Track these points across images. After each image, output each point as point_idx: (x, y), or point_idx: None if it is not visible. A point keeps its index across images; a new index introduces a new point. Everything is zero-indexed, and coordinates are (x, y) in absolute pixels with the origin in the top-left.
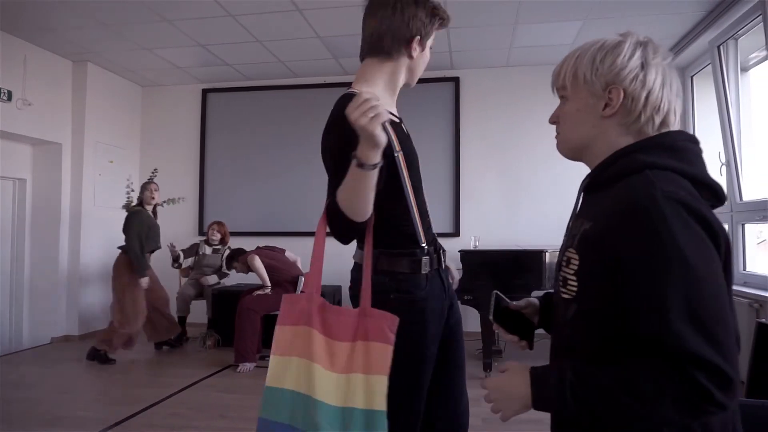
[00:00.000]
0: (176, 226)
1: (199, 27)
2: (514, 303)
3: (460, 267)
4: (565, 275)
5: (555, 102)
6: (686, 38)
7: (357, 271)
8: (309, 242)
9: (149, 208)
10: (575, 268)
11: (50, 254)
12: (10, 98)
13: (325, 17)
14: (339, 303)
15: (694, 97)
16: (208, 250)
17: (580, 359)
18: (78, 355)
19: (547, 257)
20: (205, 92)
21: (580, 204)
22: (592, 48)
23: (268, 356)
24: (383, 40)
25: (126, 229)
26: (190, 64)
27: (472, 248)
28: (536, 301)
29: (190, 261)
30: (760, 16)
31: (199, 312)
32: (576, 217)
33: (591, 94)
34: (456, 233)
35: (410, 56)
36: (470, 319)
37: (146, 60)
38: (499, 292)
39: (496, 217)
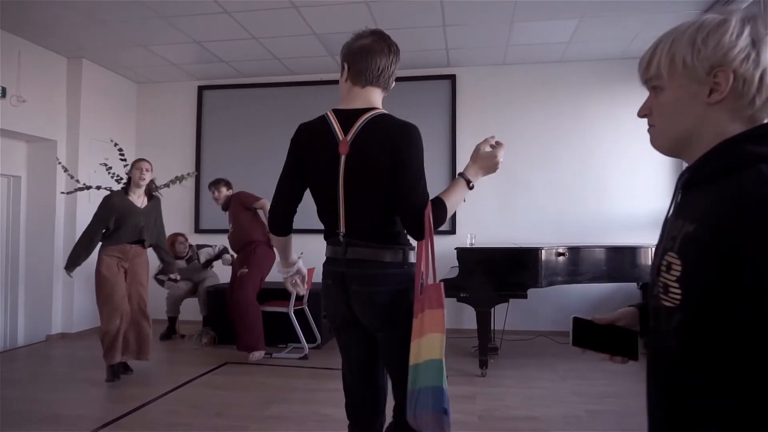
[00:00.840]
0: (172, 225)
1: (194, 24)
2: (605, 317)
3: (456, 265)
4: (666, 281)
5: (550, 101)
6: None
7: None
8: (306, 239)
9: (138, 191)
10: (677, 274)
11: (45, 252)
12: (4, 95)
13: (321, 14)
14: None
15: None
16: (182, 264)
17: (690, 374)
18: (73, 353)
19: (543, 255)
20: (200, 89)
21: (678, 202)
22: (689, 29)
23: (267, 354)
24: (386, 77)
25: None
26: (186, 61)
27: (468, 246)
28: (632, 309)
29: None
30: None
31: (193, 310)
32: (674, 217)
33: (692, 80)
34: (452, 231)
35: (387, 90)
36: (466, 317)
37: (141, 57)
38: (578, 316)
39: (493, 215)
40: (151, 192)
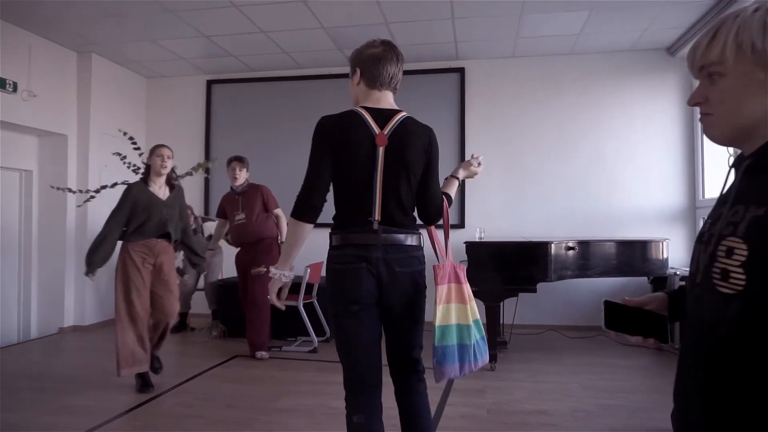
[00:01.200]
0: None
1: (203, 18)
2: (634, 299)
3: (465, 259)
4: (726, 267)
5: (560, 93)
6: (695, 27)
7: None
8: (314, 233)
9: (159, 181)
10: (742, 259)
11: (57, 245)
12: (15, 89)
13: (329, 8)
14: None
15: None
16: None
17: (748, 364)
18: (85, 345)
19: (553, 249)
20: (209, 83)
21: (739, 187)
22: (756, 14)
23: (276, 347)
24: (395, 82)
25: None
26: (195, 55)
27: (477, 240)
28: (662, 294)
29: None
30: None
31: (203, 304)
32: (734, 202)
33: (761, 66)
34: (461, 225)
35: (396, 94)
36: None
37: (150, 51)
38: (609, 299)
39: (502, 208)
40: (171, 181)
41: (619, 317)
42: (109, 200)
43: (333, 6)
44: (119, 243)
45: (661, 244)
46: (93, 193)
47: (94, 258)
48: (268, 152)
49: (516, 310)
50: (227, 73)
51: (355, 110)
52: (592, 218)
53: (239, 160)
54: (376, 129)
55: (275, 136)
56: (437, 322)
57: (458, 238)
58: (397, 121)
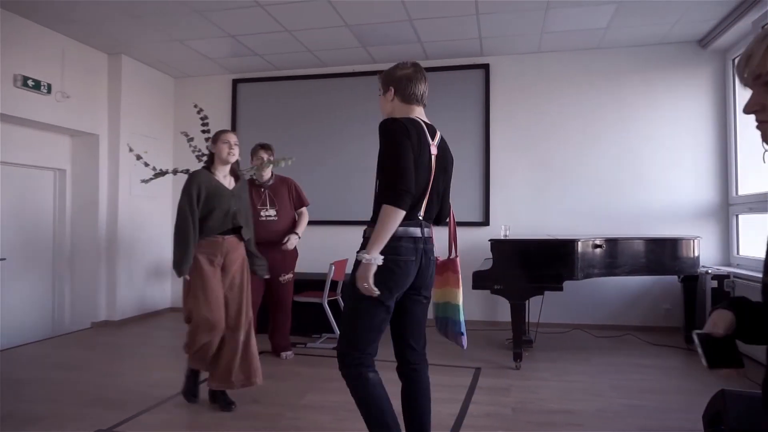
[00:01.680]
0: None
1: (229, 18)
2: (718, 326)
3: (490, 256)
4: None
5: (587, 89)
6: (727, 19)
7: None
8: (339, 231)
9: (224, 171)
10: None
11: (89, 242)
12: (50, 91)
13: (353, 6)
14: None
15: (735, 81)
16: None
17: None
18: (117, 340)
19: (580, 247)
20: (235, 82)
21: None
22: None
23: (301, 344)
24: (425, 98)
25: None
26: (221, 54)
27: (502, 237)
28: (728, 313)
29: None
30: None
31: None
32: None
33: None
34: (486, 222)
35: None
36: (500, 309)
37: (178, 52)
38: (697, 331)
39: (527, 205)
40: (236, 173)
41: (715, 350)
42: (137, 206)
43: (357, 4)
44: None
45: (692, 242)
46: (162, 172)
47: (182, 259)
48: (293, 150)
49: (542, 308)
50: (252, 72)
51: (417, 119)
52: (620, 215)
53: (267, 148)
54: (430, 139)
55: (300, 133)
56: (460, 301)
57: (483, 235)
58: (440, 135)
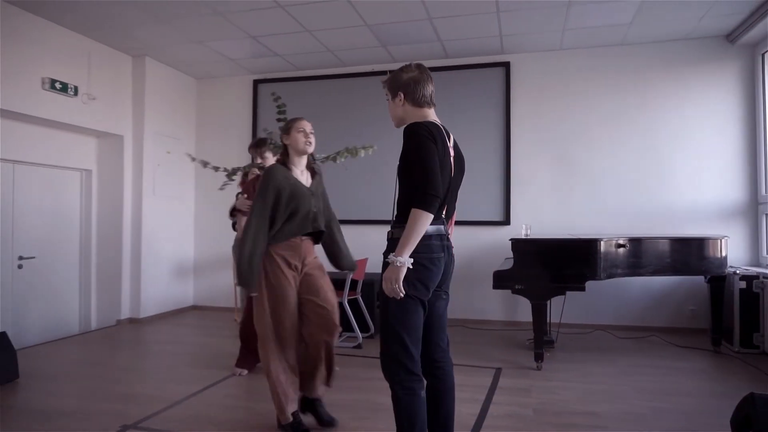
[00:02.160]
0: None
1: (250, 19)
2: None
3: (511, 256)
4: None
5: (611, 86)
6: (756, 13)
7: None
8: (358, 230)
9: (301, 164)
10: None
11: (114, 241)
12: (76, 93)
13: (373, 6)
14: None
15: (765, 77)
16: None
17: None
18: (142, 337)
19: (603, 246)
20: (256, 83)
21: None
22: None
23: None
24: (433, 99)
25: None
26: (242, 55)
27: (523, 237)
28: None
29: None
30: None
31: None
32: None
33: None
34: (506, 221)
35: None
36: (521, 309)
37: (200, 53)
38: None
39: (548, 205)
40: (312, 167)
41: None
42: (160, 206)
43: (377, 3)
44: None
45: (719, 241)
46: (228, 176)
47: (252, 274)
48: (315, 149)
49: (563, 308)
50: (273, 72)
51: (436, 122)
52: (645, 215)
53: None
54: (449, 141)
55: (320, 133)
56: None
57: (503, 234)
58: (453, 138)
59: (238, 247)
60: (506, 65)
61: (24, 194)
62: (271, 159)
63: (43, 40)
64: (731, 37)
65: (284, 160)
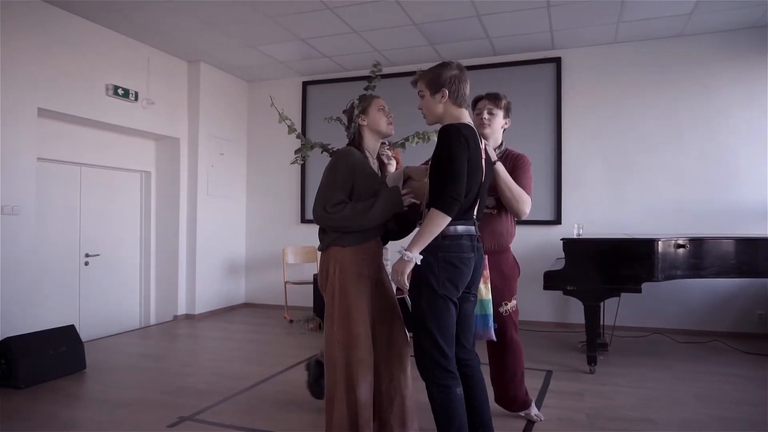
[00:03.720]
0: (276, 217)
1: (299, 21)
2: None
3: (562, 256)
4: None
5: (668, 80)
6: None
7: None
8: None
9: (375, 148)
10: None
11: (172, 239)
12: (136, 99)
13: (420, 5)
14: None
15: None
16: None
17: None
18: (197, 332)
19: (660, 247)
20: (305, 84)
21: None
22: None
23: None
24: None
25: (323, 177)
26: (291, 58)
27: (575, 236)
28: None
29: None
30: None
31: (301, 297)
32: None
33: None
34: (557, 221)
35: None
36: (573, 311)
37: (251, 57)
38: None
39: (601, 204)
40: (380, 157)
41: None
42: (214, 206)
43: (424, 3)
44: (325, 253)
45: None
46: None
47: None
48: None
49: (618, 310)
50: (321, 73)
51: (470, 124)
52: (704, 213)
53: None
54: (481, 143)
55: None
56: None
57: (555, 234)
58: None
59: (320, 207)
60: (557, 61)
61: (89, 195)
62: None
63: (105, 47)
64: None
65: (358, 144)
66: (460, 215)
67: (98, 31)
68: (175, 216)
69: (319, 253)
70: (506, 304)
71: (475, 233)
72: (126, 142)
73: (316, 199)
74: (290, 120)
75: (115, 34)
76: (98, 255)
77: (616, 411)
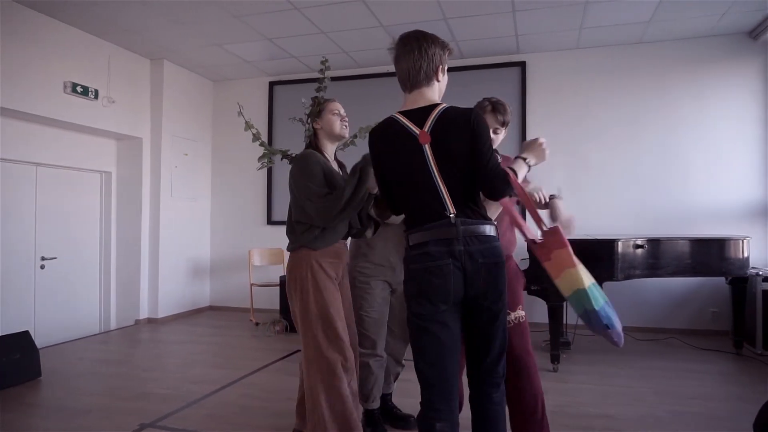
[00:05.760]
0: (242, 218)
1: (265, 21)
2: None
3: (527, 257)
4: None
5: (629, 85)
6: None
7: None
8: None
9: (331, 151)
10: None
11: (133, 242)
12: (97, 97)
13: (388, 6)
14: None
15: None
16: None
17: None
18: (159, 337)
19: (620, 247)
20: (271, 84)
21: None
22: None
23: None
24: (424, 74)
25: (295, 180)
26: (258, 57)
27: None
28: None
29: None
30: None
31: (266, 300)
32: None
33: None
34: None
35: (438, 83)
36: (537, 310)
37: (217, 56)
38: None
39: (565, 205)
40: (338, 159)
41: None
42: (178, 207)
43: (392, 4)
44: (294, 254)
45: (741, 242)
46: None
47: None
48: None
49: None
50: (288, 74)
51: (394, 118)
52: (663, 215)
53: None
54: (416, 129)
55: None
56: (587, 283)
57: (519, 235)
58: (436, 115)
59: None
60: (522, 65)
61: (46, 196)
62: None
63: (65, 44)
64: (754, 33)
65: (315, 146)
66: (421, 221)
67: (56, 27)
68: (137, 217)
69: (287, 254)
70: (509, 314)
71: (456, 236)
72: (85, 141)
73: (302, 207)
74: (255, 129)
75: (74, 30)
76: (55, 258)
77: (578, 408)
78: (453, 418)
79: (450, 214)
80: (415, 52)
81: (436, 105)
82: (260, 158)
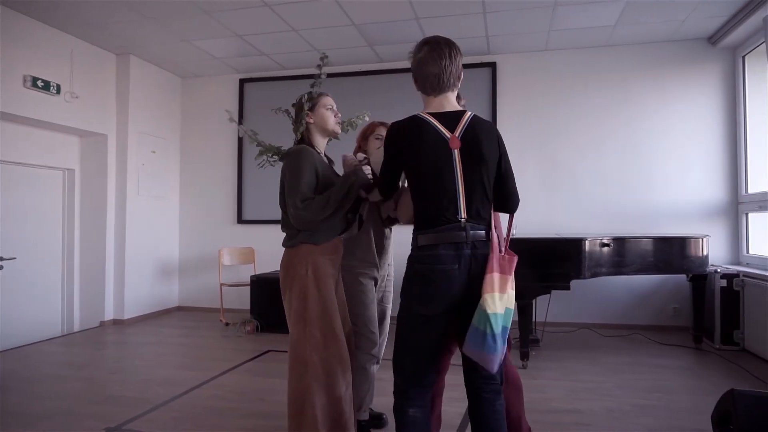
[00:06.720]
0: (212, 217)
1: (236, 17)
2: None
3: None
4: None
5: (596, 86)
6: (738, 16)
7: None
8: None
9: (323, 146)
10: None
11: (98, 242)
12: (59, 92)
13: (360, 5)
14: None
15: (745, 79)
16: None
17: None
18: (125, 338)
19: (587, 246)
20: (242, 82)
21: None
22: None
23: None
24: (450, 80)
25: (286, 177)
26: (228, 54)
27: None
28: None
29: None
30: None
31: (236, 299)
32: None
33: None
34: None
35: (457, 88)
36: None
37: (185, 52)
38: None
39: (534, 204)
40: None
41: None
42: (145, 206)
43: (364, 3)
44: (293, 249)
45: (700, 240)
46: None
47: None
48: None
49: (549, 307)
50: (259, 71)
51: (422, 116)
52: (629, 214)
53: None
54: (447, 133)
55: None
56: (492, 310)
57: None
58: (467, 121)
59: (316, 214)
60: (492, 66)
61: (5, 194)
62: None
63: (24, 37)
64: (713, 39)
65: (307, 141)
66: (435, 222)
67: (14, 18)
68: (102, 216)
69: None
70: None
71: (464, 240)
72: (47, 137)
73: (287, 203)
74: (251, 131)
75: (35, 22)
76: (14, 258)
77: (547, 404)
78: (425, 405)
79: (462, 218)
80: (447, 58)
81: (464, 111)
82: (257, 156)
